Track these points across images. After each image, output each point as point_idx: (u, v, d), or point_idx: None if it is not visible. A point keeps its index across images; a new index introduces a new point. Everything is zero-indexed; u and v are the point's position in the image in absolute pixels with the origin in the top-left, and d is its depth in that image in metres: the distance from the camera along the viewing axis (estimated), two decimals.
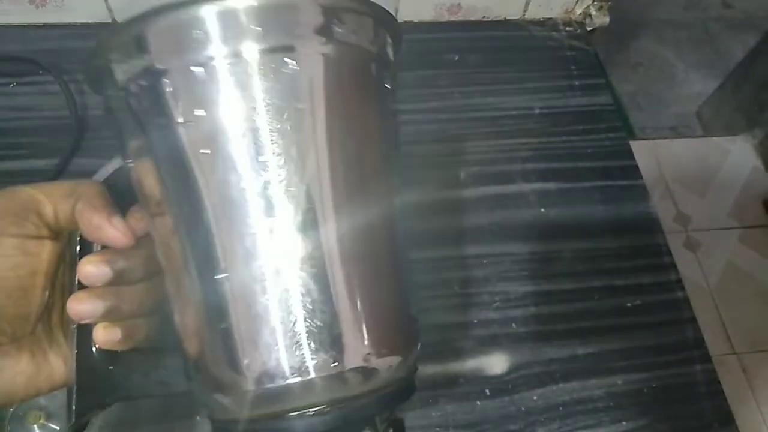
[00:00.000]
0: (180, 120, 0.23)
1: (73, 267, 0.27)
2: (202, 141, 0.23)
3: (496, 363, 0.49)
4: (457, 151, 0.59)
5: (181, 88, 0.22)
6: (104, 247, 0.27)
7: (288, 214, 0.23)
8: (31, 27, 0.62)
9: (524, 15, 0.70)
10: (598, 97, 0.65)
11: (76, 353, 0.27)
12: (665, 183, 1.50)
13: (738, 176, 1.53)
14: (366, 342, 0.24)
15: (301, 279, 0.23)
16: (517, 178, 0.58)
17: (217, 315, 0.23)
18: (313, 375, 0.23)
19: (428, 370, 0.48)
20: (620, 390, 0.48)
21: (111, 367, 0.28)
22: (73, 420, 0.27)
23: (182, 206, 0.23)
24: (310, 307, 0.23)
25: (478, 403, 0.47)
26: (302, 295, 0.23)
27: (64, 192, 0.26)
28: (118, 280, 0.26)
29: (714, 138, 1.60)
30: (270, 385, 0.23)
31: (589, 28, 0.71)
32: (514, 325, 0.50)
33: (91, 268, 0.25)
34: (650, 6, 1.87)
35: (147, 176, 0.25)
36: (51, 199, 0.25)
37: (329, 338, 0.23)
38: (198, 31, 0.22)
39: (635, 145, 0.63)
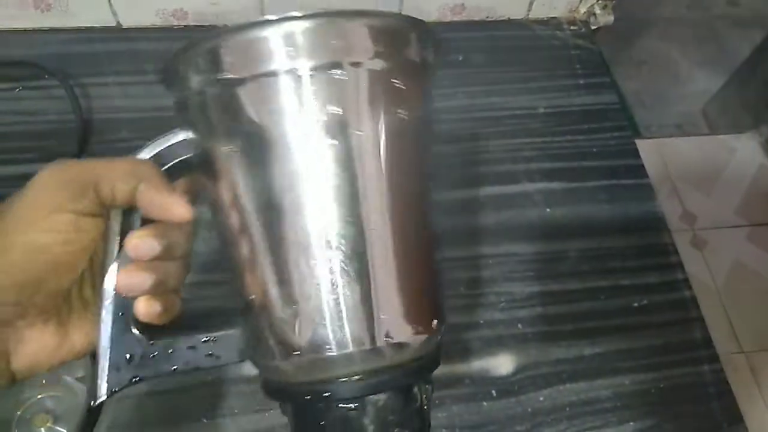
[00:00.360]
0: (252, 122, 0.26)
1: (107, 243, 0.28)
2: (274, 142, 0.26)
3: (503, 364, 0.49)
4: (462, 152, 0.59)
5: (252, 95, 0.26)
6: (144, 222, 0.28)
7: (342, 203, 0.27)
8: (35, 31, 0.63)
9: (528, 14, 0.70)
10: (603, 96, 0.65)
11: (112, 328, 0.27)
12: (671, 181, 1.50)
13: (744, 174, 1.52)
14: (400, 322, 0.28)
15: (347, 267, 0.27)
16: (521, 178, 0.58)
17: (286, 292, 0.27)
18: (352, 349, 0.27)
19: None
20: (627, 390, 0.48)
21: (152, 342, 0.29)
22: (103, 395, 0.28)
23: (255, 194, 0.27)
24: (355, 290, 0.27)
25: (485, 404, 0.47)
26: (345, 278, 0.27)
27: (125, 172, 0.26)
28: (163, 255, 0.27)
29: (720, 136, 1.59)
30: (315, 356, 0.27)
31: (593, 27, 0.71)
32: (520, 325, 0.50)
33: (140, 242, 0.26)
34: (655, 4, 1.86)
35: (227, 168, 0.27)
36: (110, 178, 0.26)
37: (368, 318, 0.27)
38: (266, 48, 0.25)
39: (640, 144, 0.62)
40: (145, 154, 0.28)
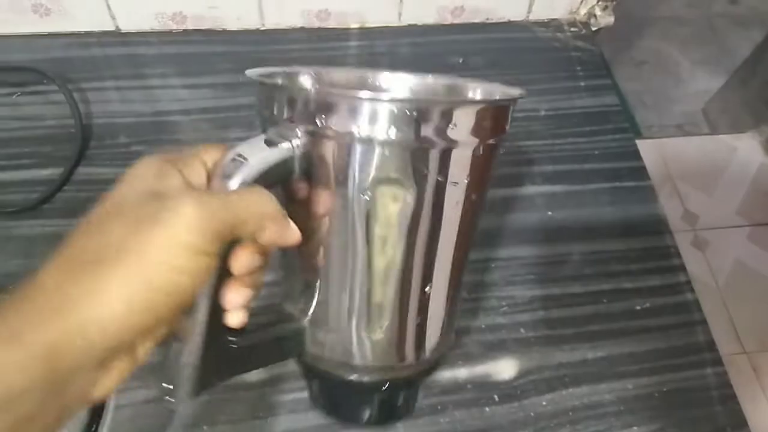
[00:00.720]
0: (398, 180, 0.29)
1: None
2: (412, 198, 0.30)
3: (505, 368, 0.48)
4: None
5: (408, 158, 0.28)
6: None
7: (436, 249, 0.32)
8: (34, 36, 0.63)
9: (528, 16, 0.70)
10: (604, 97, 0.65)
11: (204, 337, 0.28)
12: (672, 181, 1.49)
13: (745, 174, 1.52)
14: (440, 344, 0.35)
15: (423, 303, 0.33)
16: (523, 181, 0.58)
17: (363, 312, 0.32)
18: (371, 362, 0.34)
19: (436, 376, 0.47)
20: (631, 394, 0.48)
21: (237, 346, 0.31)
22: (188, 399, 0.29)
23: (367, 229, 0.30)
24: (419, 321, 0.33)
25: (487, 409, 0.46)
26: (417, 310, 0.33)
27: (258, 213, 0.26)
28: (260, 269, 0.28)
29: (721, 135, 1.59)
30: (356, 362, 0.34)
31: (593, 28, 0.70)
32: (522, 329, 0.50)
33: (249, 260, 0.27)
34: (655, 4, 1.86)
35: (349, 203, 0.30)
36: (246, 221, 0.26)
37: (418, 342, 0.34)
38: (364, 113, 0.27)
39: (641, 144, 0.62)
40: (250, 170, 0.27)
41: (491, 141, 0.31)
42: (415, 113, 0.27)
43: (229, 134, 0.58)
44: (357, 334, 0.33)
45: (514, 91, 0.35)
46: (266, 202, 0.27)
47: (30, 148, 0.56)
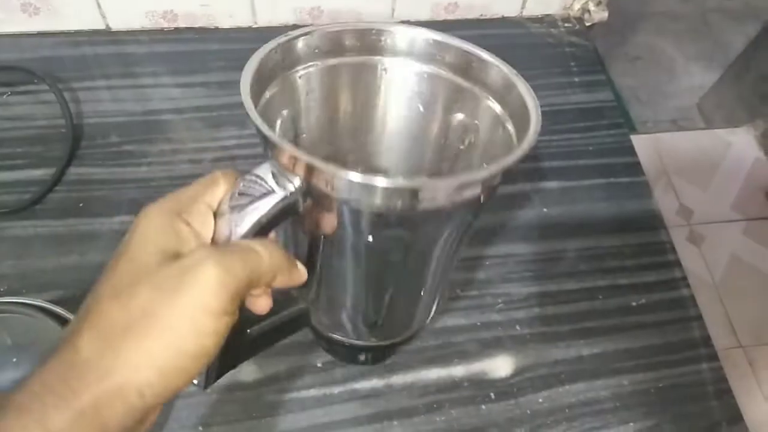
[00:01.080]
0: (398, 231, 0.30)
1: None
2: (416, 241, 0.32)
3: (501, 366, 0.48)
4: None
5: (413, 220, 0.29)
6: None
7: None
8: (24, 35, 0.62)
9: (522, 12, 0.70)
10: (599, 93, 0.65)
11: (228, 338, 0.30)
12: (667, 176, 1.50)
13: (740, 168, 1.52)
14: (420, 323, 0.42)
15: (416, 299, 0.38)
16: (518, 178, 0.58)
17: (353, 307, 0.37)
18: (365, 336, 0.40)
19: (432, 374, 0.47)
20: (627, 390, 0.48)
21: (252, 334, 0.34)
22: (209, 383, 0.31)
23: (370, 259, 0.33)
24: (405, 310, 0.39)
25: (483, 406, 0.46)
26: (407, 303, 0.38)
27: (275, 269, 0.27)
28: None
29: (715, 130, 1.59)
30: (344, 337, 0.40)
31: (587, 24, 0.70)
32: (518, 326, 0.50)
33: (263, 287, 0.29)
34: None
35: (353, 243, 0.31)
36: (261, 279, 0.26)
37: (404, 326, 0.41)
38: (360, 190, 0.27)
39: (636, 139, 0.62)
40: (259, 218, 0.27)
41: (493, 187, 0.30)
42: (414, 192, 0.27)
43: (222, 133, 0.57)
44: (353, 324, 0.38)
45: (527, 94, 0.33)
46: (279, 256, 0.27)
47: (21, 148, 0.55)
